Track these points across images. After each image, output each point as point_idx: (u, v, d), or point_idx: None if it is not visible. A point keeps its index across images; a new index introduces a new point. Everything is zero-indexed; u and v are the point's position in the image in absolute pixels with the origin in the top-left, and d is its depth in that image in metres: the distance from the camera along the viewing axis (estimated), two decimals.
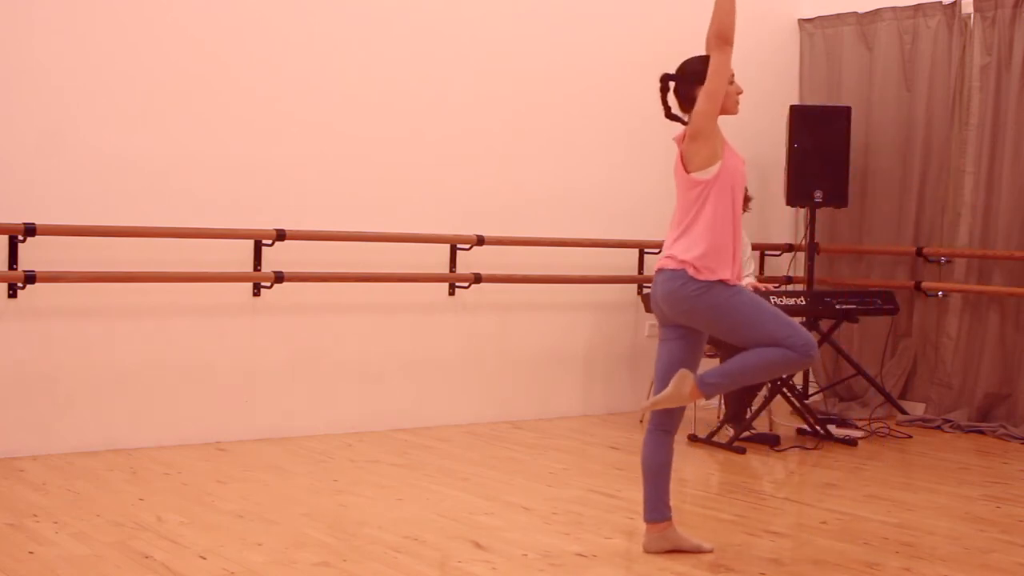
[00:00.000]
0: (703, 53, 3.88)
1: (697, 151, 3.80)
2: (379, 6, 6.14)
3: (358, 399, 6.14)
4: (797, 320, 6.28)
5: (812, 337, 3.81)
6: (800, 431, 6.43)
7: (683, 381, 3.83)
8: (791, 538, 4.29)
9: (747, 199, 6.49)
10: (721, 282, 3.79)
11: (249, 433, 5.76)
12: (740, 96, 3.93)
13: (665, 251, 3.89)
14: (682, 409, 3.96)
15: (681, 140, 3.87)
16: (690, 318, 3.86)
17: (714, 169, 3.80)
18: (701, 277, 3.78)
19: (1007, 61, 6.78)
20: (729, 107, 3.87)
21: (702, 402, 6.96)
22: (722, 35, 3.78)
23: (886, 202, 7.36)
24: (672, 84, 3.93)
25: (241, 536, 4.01)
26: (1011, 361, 6.77)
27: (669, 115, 3.95)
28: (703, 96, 3.78)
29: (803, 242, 7.46)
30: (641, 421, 3.92)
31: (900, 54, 7.27)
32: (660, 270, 3.89)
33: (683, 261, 3.81)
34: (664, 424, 3.95)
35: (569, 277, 6.78)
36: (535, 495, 4.81)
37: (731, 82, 3.87)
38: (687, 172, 3.83)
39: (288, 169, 5.88)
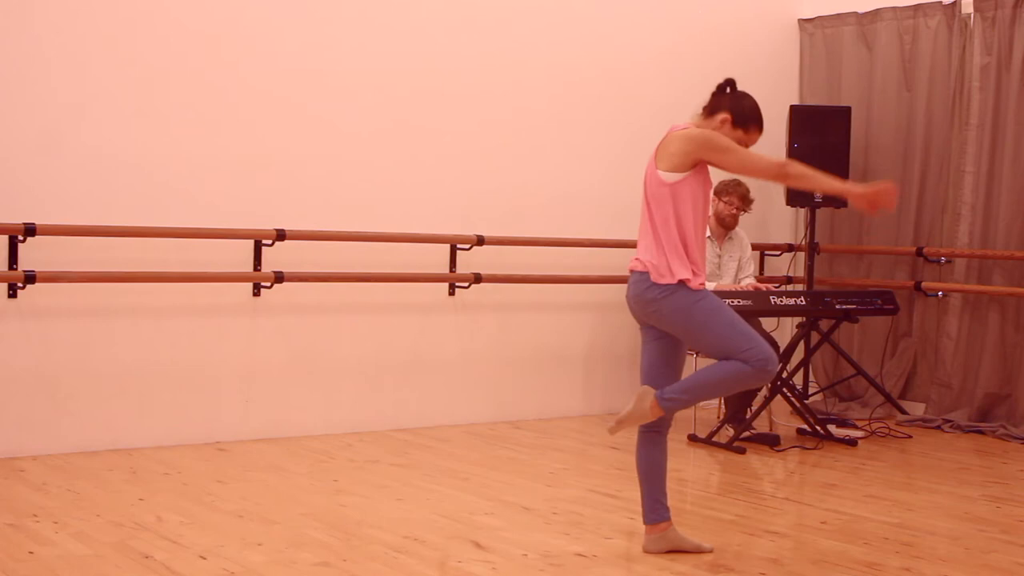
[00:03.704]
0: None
1: (678, 152, 3.80)
2: (379, 7, 6.14)
3: (358, 399, 6.14)
4: (796, 316, 6.27)
5: (771, 351, 3.77)
6: (800, 431, 6.43)
7: (644, 397, 3.85)
8: (791, 538, 4.29)
9: (749, 201, 6.49)
10: (683, 284, 3.79)
11: (249, 433, 5.76)
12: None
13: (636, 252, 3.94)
14: None
15: (675, 129, 3.87)
16: (659, 320, 3.88)
17: (677, 176, 3.80)
18: (663, 280, 3.80)
19: (1007, 61, 6.78)
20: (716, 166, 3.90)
21: (701, 403, 6.98)
22: (787, 171, 3.78)
23: None
24: (727, 89, 3.94)
25: (241, 536, 4.01)
26: (1011, 361, 6.77)
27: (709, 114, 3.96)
28: (729, 148, 3.78)
29: (803, 242, 7.46)
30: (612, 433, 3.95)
31: (900, 54, 7.27)
32: (631, 271, 3.93)
33: (645, 263, 3.85)
34: (654, 425, 3.96)
35: (569, 277, 6.78)
36: (535, 495, 4.81)
37: (731, 193, 3.94)
38: (656, 167, 3.84)
39: (288, 169, 5.88)
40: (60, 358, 5.28)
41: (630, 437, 6.20)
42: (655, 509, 3.97)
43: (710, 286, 6.12)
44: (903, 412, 6.94)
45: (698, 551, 3.96)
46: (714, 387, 3.88)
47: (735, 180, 6.40)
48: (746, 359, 3.72)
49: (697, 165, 3.82)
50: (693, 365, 5.71)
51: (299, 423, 5.93)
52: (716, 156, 3.80)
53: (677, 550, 3.96)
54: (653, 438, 3.97)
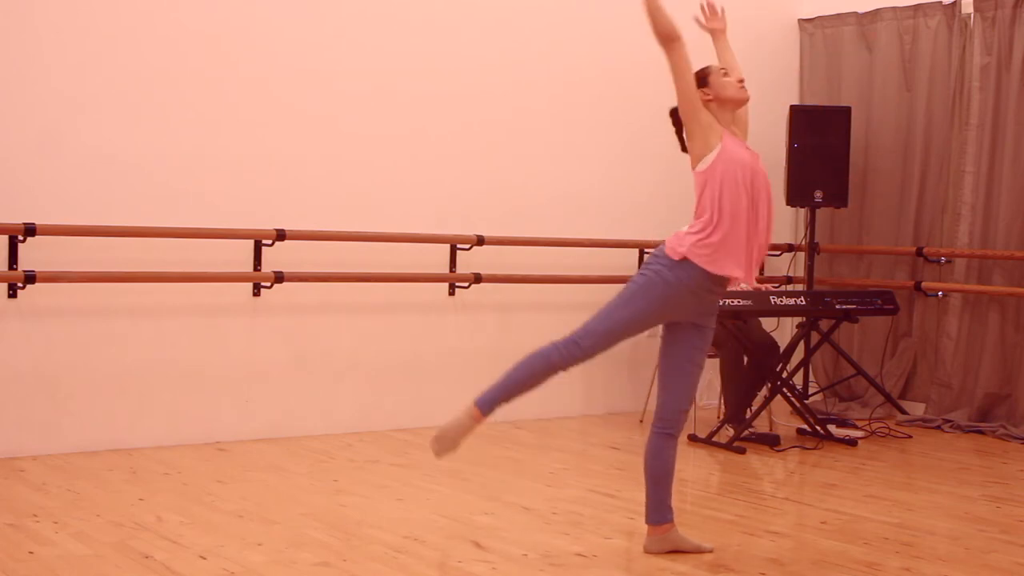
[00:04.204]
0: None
1: (692, 147, 3.85)
2: (379, 7, 6.15)
3: (358, 399, 6.14)
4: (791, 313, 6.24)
5: (587, 349, 3.88)
6: (800, 431, 6.43)
7: (464, 408, 3.85)
8: (791, 538, 4.29)
9: None
10: (670, 261, 3.76)
11: (249, 433, 5.76)
12: (742, 84, 3.91)
13: None
14: (684, 411, 3.94)
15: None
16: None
17: (709, 159, 3.79)
18: (670, 253, 3.78)
19: (1007, 61, 6.78)
20: (728, 97, 3.88)
21: (702, 402, 6.98)
22: (658, 35, 3.84)
23: (886, 202, 7.36)
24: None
25: (241, 536, 4.01)
26: (1011, 361, 6.77)
27: (684, 149, 3.96)
28: (676, 96, 3.84)
29: (803, 242, 7.46)
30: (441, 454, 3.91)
31: (900, 54, 7.27)
32: None
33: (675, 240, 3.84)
34: (667, 427, 3.94)
35: (569, 277, 6.78)
36: (535, 495, 4.81)
37: (725, 74, 3.91)
38: (693, 169, 3.87)
39: (288, 169, 5.89)
40: (60, 358, 5.28)
41: (630, 437, 6.23)
42: (659, 510, 3.96)
43: None
44: (903, 412, 6.94)
45: (698, 551, 3.96)
46: (521, 374, 3.98)
47: None
48: (572, 333, 3.90)
49: (723, 137, 3.81)
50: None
51: (299, 423, 5.93)
52: (682, 106, 3.83)
53: (677, 551, 3.95)
54: (664, 440, 3.93)
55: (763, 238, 3.85)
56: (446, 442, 3.83)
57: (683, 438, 6.06)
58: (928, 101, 7.15)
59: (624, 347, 6.97)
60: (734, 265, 3.78)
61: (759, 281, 7.07)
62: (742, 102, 3.93)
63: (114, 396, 5.42)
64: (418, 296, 6.33)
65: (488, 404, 3.87)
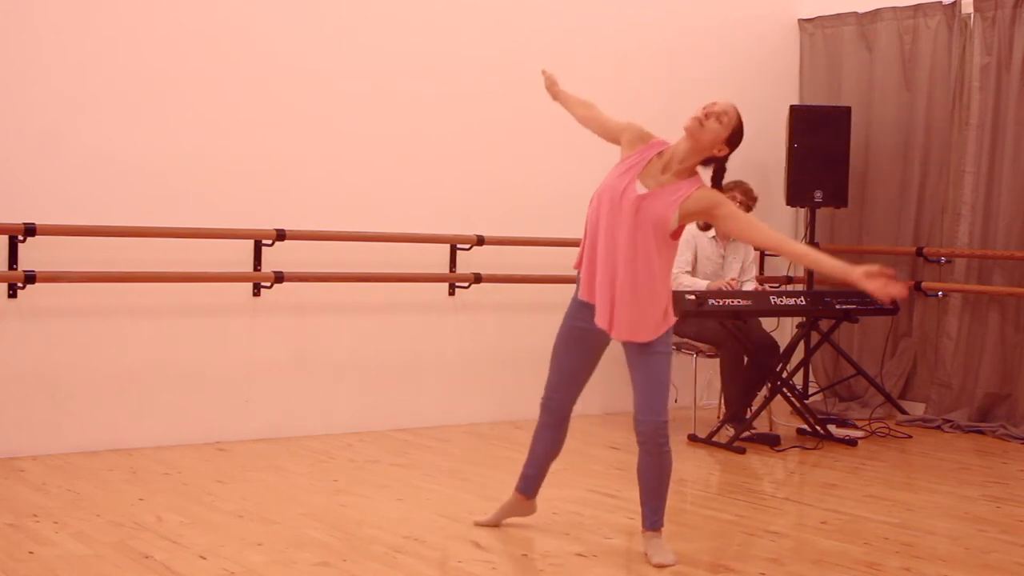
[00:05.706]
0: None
1: None
2: (379, 7, 6.15)
3: (358, 399, 6.14)
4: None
5: (546, 392, 4.40)
6: (800, 431, 6.43)
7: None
8: (791, 538, 4.29)
9: (754, 199, 6.48)
10: (574, 300, 4.15)
11: (249, 433, 5.76)
12: (702, 113, 3.99)
13: None
14: (663, 422, 3.95)
15: None
16: None
17: None
18: None
19: (1007, 61, 6.78)
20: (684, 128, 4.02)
21: (702, 402, 6.97)
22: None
23: (886, 202, 7.36)
24: None
25: (241, 536, 4.01)
26: (1011, 361, 6.77)
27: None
28: None
29: (803, 242, 7.46)
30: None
31: (900, 54, 7.27)
32: None
33: None
34: (646, 441, 3.98)
35: (569, 277, 6.75)
36: None
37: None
38: None
39: (288, 169, 5.88)
40: (60, 358, 5.28)
41: (630, 437, 6.21)
42: (643, 514, 3.96)
43: (702, 284, 6.14)
44: (903, 412, 6.95)
45: (652, 557, 3.90)
46: None
47: (736, 179, 6.39)
48: None
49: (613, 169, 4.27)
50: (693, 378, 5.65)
51: (299, 423, 5.93)
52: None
53: (645, 552, 3.92)
54: (640, 450, 3.96)
55: (603, 260, 4.07)
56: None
57: (683, 438, 6.08)
58: (928, 101, 7.15)
59: (622, 348, 7.00)
60: (585, 290, 4.12)
61: (760, 281, 7.05)
62: (689, 130, 4.00)
63: (114, 396, 5.42)
64: (418, 296, 6.33)
65: None
